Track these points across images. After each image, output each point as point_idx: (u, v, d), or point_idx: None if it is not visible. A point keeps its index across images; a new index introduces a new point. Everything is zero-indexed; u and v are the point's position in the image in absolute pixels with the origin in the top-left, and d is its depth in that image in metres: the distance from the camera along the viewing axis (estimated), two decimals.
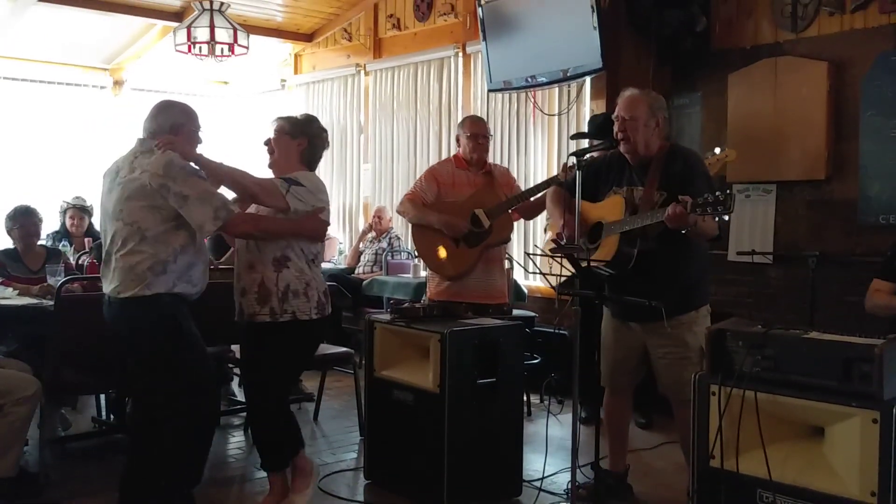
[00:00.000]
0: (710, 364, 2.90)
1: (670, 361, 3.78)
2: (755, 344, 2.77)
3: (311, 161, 3.89)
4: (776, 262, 5.64)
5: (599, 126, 5.41)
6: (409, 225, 5.24)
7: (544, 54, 6.32)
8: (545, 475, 4.23)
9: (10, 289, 4.92)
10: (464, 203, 4.69)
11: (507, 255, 4.99)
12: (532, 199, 4.73)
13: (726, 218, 3.36)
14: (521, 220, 7.09)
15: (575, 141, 6.15)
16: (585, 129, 6.46)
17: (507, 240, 4.90)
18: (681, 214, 3.36)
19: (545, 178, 5.26)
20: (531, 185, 5.00)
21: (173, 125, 3.58)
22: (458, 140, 4.91)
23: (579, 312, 3.56)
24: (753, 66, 5.73)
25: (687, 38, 5.90)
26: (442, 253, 4.66)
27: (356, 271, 7.99)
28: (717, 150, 4.16)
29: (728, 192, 3.25)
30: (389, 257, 7.69)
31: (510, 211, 4.77)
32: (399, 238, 8.00)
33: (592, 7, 5.84)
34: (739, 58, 5.84)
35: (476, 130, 4.81)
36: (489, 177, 4.82)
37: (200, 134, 3.69)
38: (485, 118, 7.37)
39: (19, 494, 3.98)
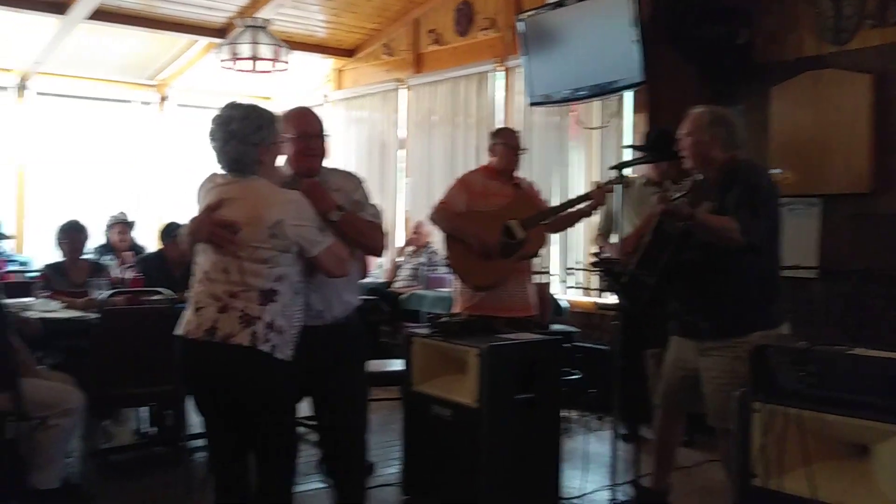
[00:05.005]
0: (753, 381, 2.86)
1: (715, 387, 3.48)
2: (799, 360, 2.72)
3: None
4: (820, 278, 5.55)
5: (653, 140, 5.22)
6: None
7: (585, 68, 6.31)
8: (583, 492, 4.19)
9: (56, 302, 5.00)
10: (497, 213, 4.61)
11: (544, 270, 4.95)
12: (565, 212, 4.70)
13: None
14: (560, 235, 7.10)
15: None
16: (627, 142, 6.42)
17: (538, 252, 4.84)
18: (661, 198, 3.41)
19: (584, 191, 5.22)
20: (570, 198, 4.93)
21: None
22: (491, 150, 4.82)
23: (620, 328, 3.51)
24: (796, 79, 5.66)
25: (729, 51, 5.85)
26: (474, 263, 4.56)
27: (394, 285, 8.01)
28: (776, 171, 3.99)
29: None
30: (428, 272, 7.68)
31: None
32: (437, 253, 7.99)
33: (633, 21, 5.82)
34: (782, 71, 5.77)
35: (515, 142, 4.79)
36: (518, 188, 4.78)
37: None
38: (525, 132, 7.42)
39: None
